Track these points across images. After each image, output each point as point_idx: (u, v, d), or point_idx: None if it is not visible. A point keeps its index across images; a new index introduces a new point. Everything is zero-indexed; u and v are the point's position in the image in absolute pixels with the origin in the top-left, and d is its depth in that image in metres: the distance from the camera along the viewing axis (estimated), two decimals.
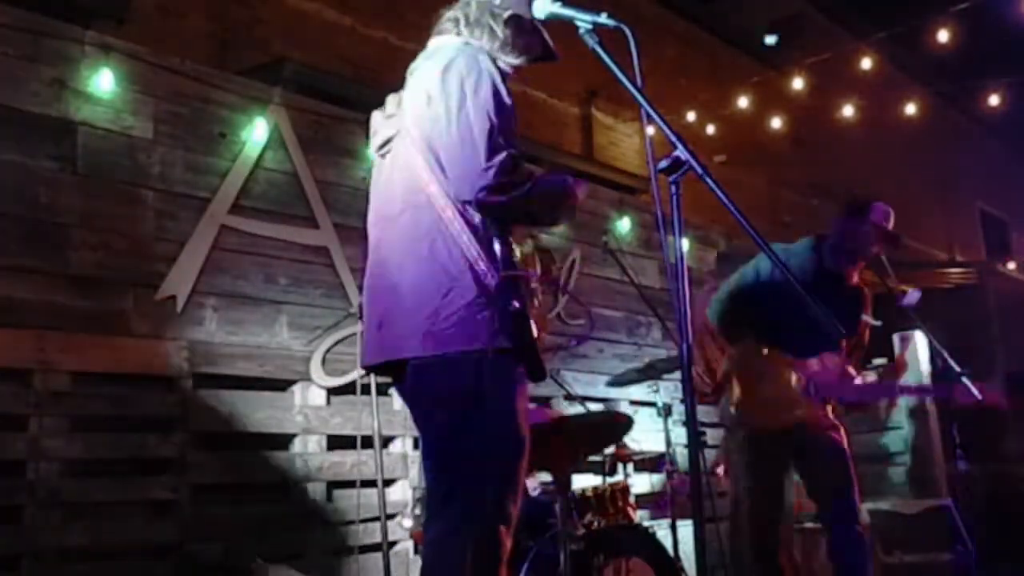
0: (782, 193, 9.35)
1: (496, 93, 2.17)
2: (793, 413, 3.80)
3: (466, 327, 2.12)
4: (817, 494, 3.89)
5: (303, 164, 4.44)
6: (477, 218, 2.18)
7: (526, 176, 2.16)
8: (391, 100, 2.40)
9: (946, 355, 3.63)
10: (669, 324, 4.60)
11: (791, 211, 9.37)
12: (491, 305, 2.12)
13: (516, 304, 2.16)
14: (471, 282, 2.14)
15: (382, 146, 2.39)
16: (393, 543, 4.17)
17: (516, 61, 2.35)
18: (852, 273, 4.01)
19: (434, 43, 2.39)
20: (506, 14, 2.29)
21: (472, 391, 2.13)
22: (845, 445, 3.84)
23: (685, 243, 2.26)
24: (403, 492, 4.46)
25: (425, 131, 2.21)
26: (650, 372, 4.69)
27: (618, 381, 4.91)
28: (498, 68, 2.24)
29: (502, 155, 2.11)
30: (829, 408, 3.86)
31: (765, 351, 3.87)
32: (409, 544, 4.35)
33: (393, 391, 3.82)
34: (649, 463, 5.66)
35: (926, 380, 5.97)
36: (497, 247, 2.18)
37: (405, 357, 2.22)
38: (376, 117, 2.43)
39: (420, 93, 2.24)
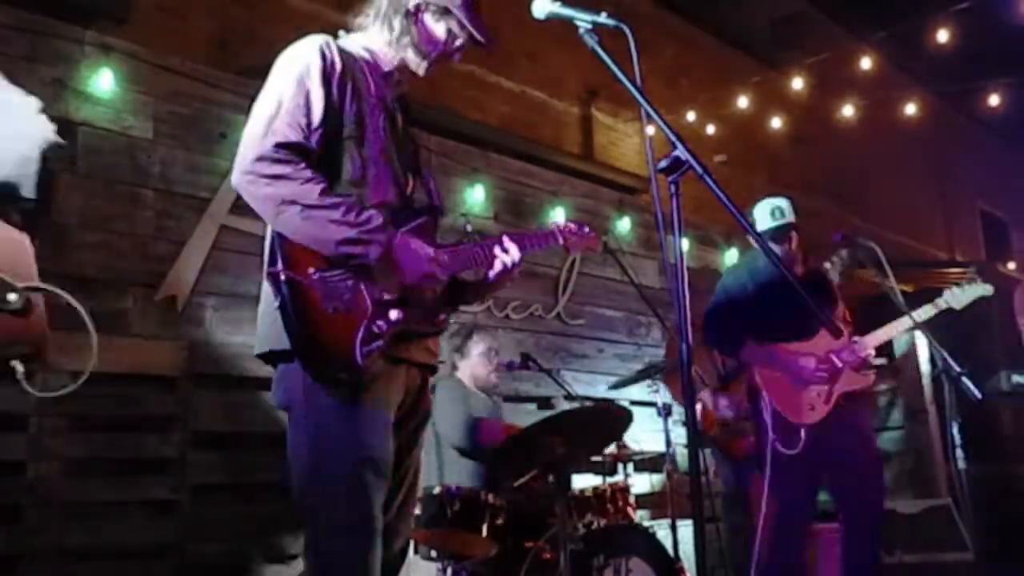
0: (782, 193, 9.33)
1: (302, 80, 2.08)
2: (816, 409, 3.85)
3: (271, 326, 2.05)
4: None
5: None
6: None
7: (293, 176, 1.98)
8: None
9: (946, 355, 3.62)
10: (669, 324, 4.60)
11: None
12: (276, 304, 1.99)
13: (275, 303, 1.98)
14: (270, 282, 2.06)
15: None
16: None
17: (424, 61, 2.28)
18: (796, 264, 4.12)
19: None
20: (410, 4, 2.26)
21: (287, 396, 2.09)
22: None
23: (685, 243, 2.25)
24: None
25: None
26: (651, 372, 4.69)
27: (621, 383, 4.91)
28: (334, 59, 2.15)
29: (267, 140, 2.01)
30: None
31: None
32: (409, 544, 4.35)
33: None
34: (649, 463, 5.67)
35: (926, 380, 5.98)
36: (278, 240, 2.01)
37: (256, 354, 2.18)
38: None
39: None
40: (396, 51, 2.29)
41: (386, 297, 2.07)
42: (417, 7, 2.27)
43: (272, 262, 2.01)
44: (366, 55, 2.28)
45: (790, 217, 4.11)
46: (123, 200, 3.94)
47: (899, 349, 6.16)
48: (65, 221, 3.75)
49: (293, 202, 1.98)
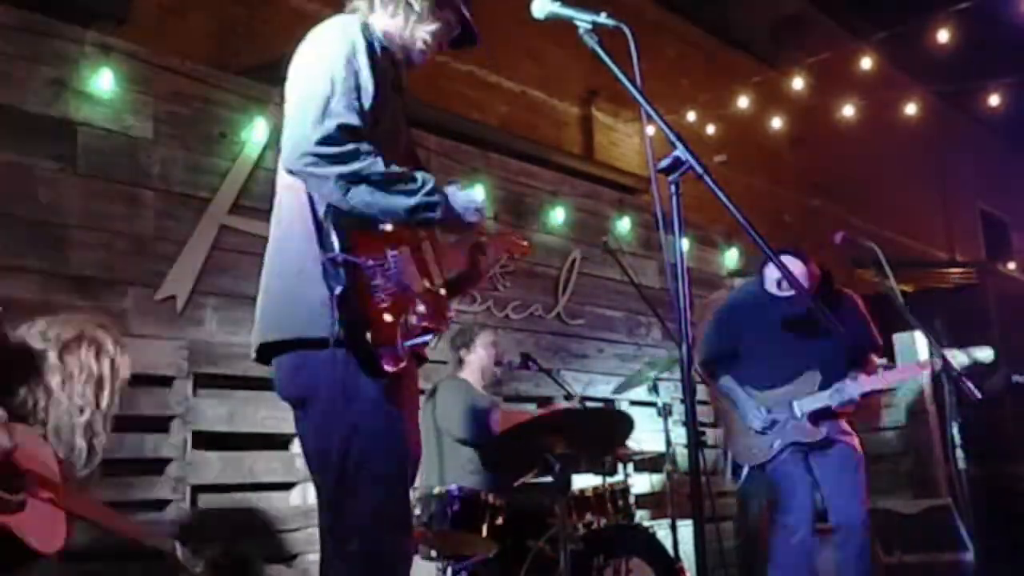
0: (782, 193, 9.35)
1: (351, 61, 2.06)
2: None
3: (307, 313, 2.01)
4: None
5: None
6: (306, 196, 2.08)
7: (359, 152, 1.99)
8: None
9: (946, 355, 3.63)
10: (669, 324, 4.60)
11: (791, 211, 9.37)
12: (327, 291, 1.96)
13: (338, 288, 1.95)
14: (311, 267, 2.02)
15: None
16: None
17: (431, 38, 2.26)
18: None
19: None
20: None
21: (312, 385, 2.03)
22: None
23: (685, 243, 2.24)
24: None
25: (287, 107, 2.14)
26: (651, 370, 4.69)
27: (626, 385, 4.91)
28: (373, 41, 2.14)
29: (329, 122, 1.99)
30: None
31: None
32: None
33: None
34: (649, 463, 5.67)
35: (926, 380, 5.98)
36: (332, 226, 2.00)
37: (263, 343, 2.13)
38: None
39: (291, 68, 2.19)
40: (409, 36, 2.24)
41: (416, 291, 2.07)
42: None
43: (327, 247, 1.98)
44: (383, 37, 2.24)
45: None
46: (123, 200, 3.94)
47: (902, 356, 6.14)
48: (65, 221, 3.75)
49: (362, 179, 1.99)
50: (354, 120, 2.02)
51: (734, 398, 4.24)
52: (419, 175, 2.09)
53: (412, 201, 2.05)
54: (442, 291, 2.22)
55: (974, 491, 3.69)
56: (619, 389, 4.95)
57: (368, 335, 1.96)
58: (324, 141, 1.97)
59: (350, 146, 1.99)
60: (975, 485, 3.74)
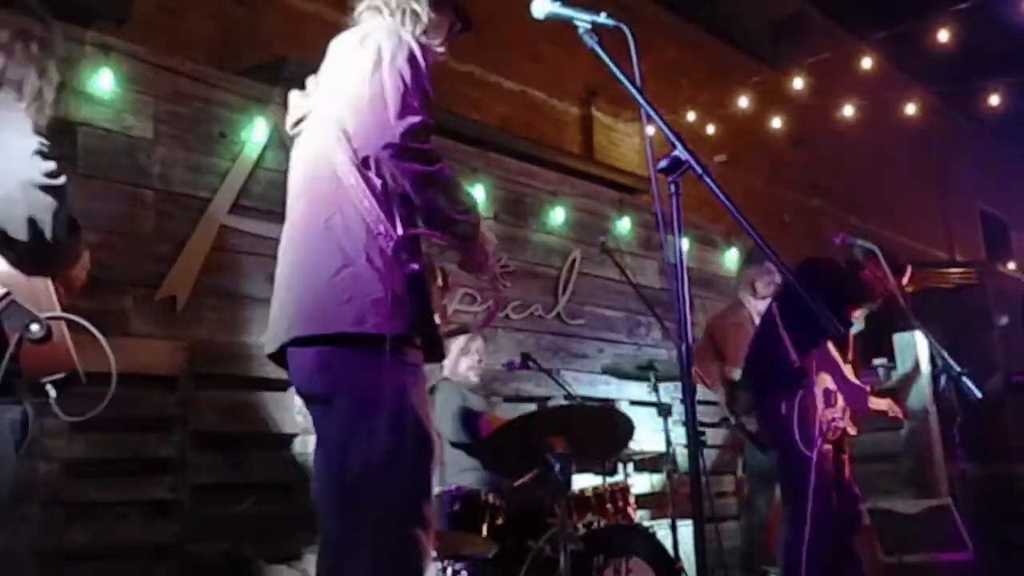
0: (782, 193, 9.35)
1: (413, 61, 2.13)
2: None
3: (356, 307, 2.01)
4: None
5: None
6: (379, 181, 2.10)
7: (436, 155, 2.11)
8: (311, 81, 2.35)
9: (946, 355, 3.63)
10: (668, 324, 4.60)
11: (791, 211, 9.37)
12: (385, 283, 2.01)
13: (414, 267, 2.08)
14: (366, 261, 2.04)
15: (295, 124, 2.33)
16: None
17: (441, 45, 2.35)
18: None
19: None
20: None
21: (361, 382, 2.03)
22: None
23: (685, 243, 2.25)
24: None
25: (338, 102, 2.15)
26: (648, 370, 4.69)
27: (612, 370, 4.91)
28: (421, 46, 2.21)
29: (413, 117, 2.07)
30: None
31: None
32: None
33: None
34: (649, 463, 5.67)
35: (926, 380, 5.97)
36: (398, 207, 2.09)
37: (289, 339, 2.12)
38: (293, 96, 2.37)
39: (335, 64, 2.22)
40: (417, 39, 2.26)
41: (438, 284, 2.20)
42: None
43: (402, 223, 2.08)
44: None
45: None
46: (123, 200, 3.94)
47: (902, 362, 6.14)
48: None
49: (435, 182, 2.10)
50: (427, 117, 2.10)
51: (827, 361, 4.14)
52: (470, 191, 2.25)
53: (457, 213, 2.14)
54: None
55: (974, 491, 3.70)
56: (607, 369, 4.94)
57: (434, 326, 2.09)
58: (409, 134, 2.04)
59: (428, 145, 2.10)
60: (975, 485, 3.75)
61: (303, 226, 2.18)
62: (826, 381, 4.00)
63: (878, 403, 4.22)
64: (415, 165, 2.06)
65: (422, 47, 2.22)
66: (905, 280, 4.10)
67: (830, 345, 3.98)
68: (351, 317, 2.01)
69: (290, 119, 2.34)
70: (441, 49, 2.34)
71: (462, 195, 2.18)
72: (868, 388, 4.05)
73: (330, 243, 2.09)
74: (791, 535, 3.90)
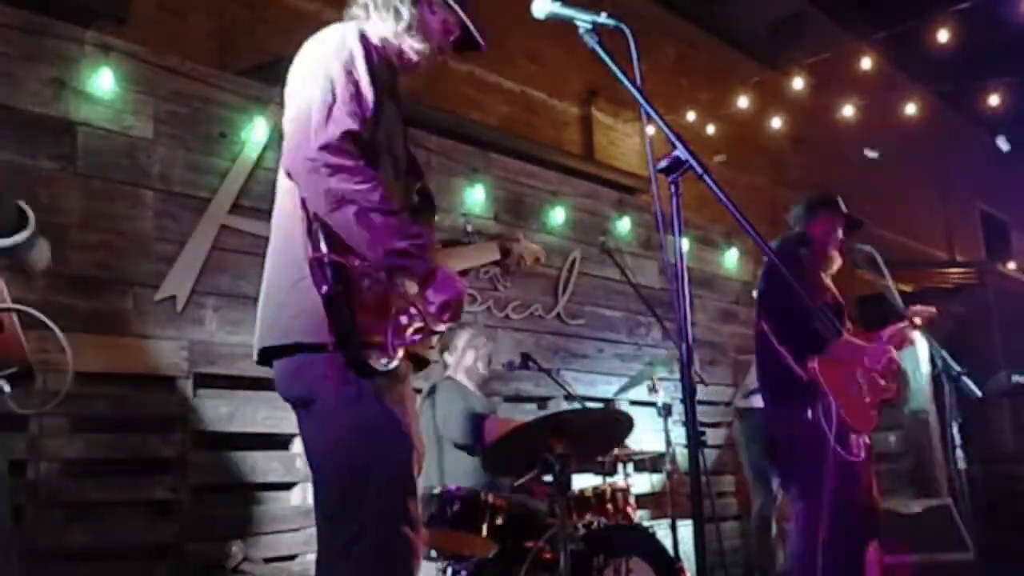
0: (782, 193, 9.34)
1: (351, 70, 2.05)
2: None
3: (307, 319, 2.00)
4: None
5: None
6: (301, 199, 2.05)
7: (361, 173, 1.96)
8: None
9: (945, 355, 3.63)
10: (668, 324, 4.60)
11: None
12: (323, 290, 1.94)
13: (324, 288, 1.93)
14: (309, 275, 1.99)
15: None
16: None
17: (421, 46, 2.25)
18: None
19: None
20: None
21: (331, 387, 2.02)
22: None
23: (685, 243, 2.24)
24: None
25: (286, 116, 2.13)
26: (652, 370, 4.69)
27: (628, 386, 4.91)
28: (380, 49, 2.16)
29: (332, 128, 1.97)
30: None
31: None
32: None
33: None
34: (649, 463, 5.67)
35: (926, 380, 5.98)
36: (321, 227, 1.97)
37: (264, 347, 2.13)
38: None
39: (292, 76, 2.19)
40: (398, 38, 2.24)
41: (410, 291, 2.06)
42: None
43: (315, 247, 1.96)
44: (380, 45, 2.23)
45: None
46: (123, 200, 3.94)
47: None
48: (65, 221, 3.75)
49: (352, 201, 1.94)
50: (355, 126, 2.00)
51: (855, 348, 3.88)
52: (419, 227, 2.05)
53: (396, 245, 1.97)
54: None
55: (974, 491, 3.69)
56: (622, 390, 4.95)
57: (357, 335, 1.94)
58: (327, 147, 1.96)
59: (351, 161, 1.96)
60: (975, 485, 3.74)
61: (273, 238, 2.21)
62: (845, 372, 3.86)
63: (896, 335, 3.98)
64: (329, 181, 1.95)
65: (387, 47, 2.21)
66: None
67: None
68: (302, 329, 2.02)
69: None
70: (421, 47, 2.25)
71: (398, 223, 1.98)
72: (883, 340, 3.82)
73: (287, 256, 2.10)
74: (803, 544, 3.84)
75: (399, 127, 2.26)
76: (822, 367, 3.75)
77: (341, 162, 1.96)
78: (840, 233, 4.01)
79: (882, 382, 3.78)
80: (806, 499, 3.85)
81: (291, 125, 2.05)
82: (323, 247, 1.95)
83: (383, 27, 2.24)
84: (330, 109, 1.99)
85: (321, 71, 2.06)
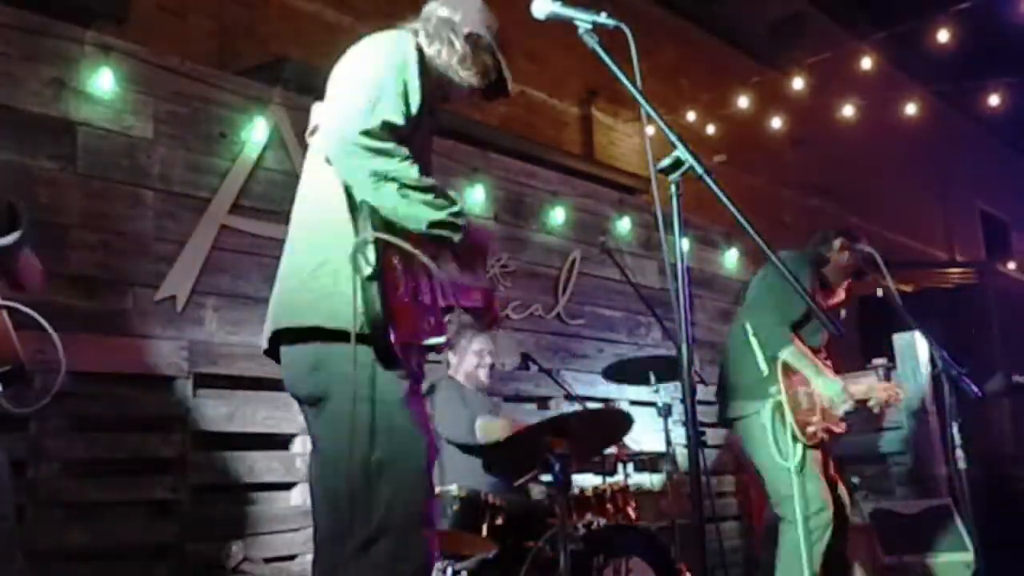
0: (782, 193, 9.35)
1: (399, 72, 2.13)
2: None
3: (329, 303, 2.03)
4: None
5: (303, 164, 4.44)
6: (340, 180, 2.13)
7: (398, 153, 2.05)
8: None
9: (945, 355, 3.63)
10: (668, 324, 4.60)
11: (791, 211, 9.38)
12: (367, 274, 1.98)
13: (368, 270, 1.98)
14: (339, 260, 2.04)
15: (311, 133, 2.36)
16: None
17: (473, 80, 2.34)
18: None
19: None
20: (466, 30, 2.31)
21: (330, 384, 2.05)
22: None
23: (685, 243, 2.24)
24: None
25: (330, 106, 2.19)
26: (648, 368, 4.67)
27: (613, 373, 4.90)
28: (428, 67, 2.23)
29: (375, 118, 2.05)
30: None
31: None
32: None
33: None
34: (649, 463, 5.67)
35: (926, 380, 5.98)
36: (368, 216, 2.04)
37: (271, 332, 2.16)
38: (315, 106, 2.39)
39: (339, 71, 2.24)
40: (450, 72, 2.31)
41: (427, 302, 2.13)
42: (474, 35, 2.31)
43: (361, 230, 2.02)
44: (429, 63, 2.29)
45: None
46: (123, 200, 3.94)
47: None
48: (65, 221, 3.75)
49: (394, 179, 2.04)
50: (399, 120, 2.08)
51: (811, 361, 4.05)
52: (455, 195, 2.19)
53: (438, 215, 2.10)
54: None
55: (974, 491, 3.69)
56: (608, 372, 4.93)
57: (391, 326, 1.98)
58: (367, 133, 2.03)
59: (390, 144, 2.05)
60: (975, 485, 3.74)
61: (298, 227, 2.25)
62: (800, 383, 3.98)
63: (855, 389, 4.10)
64: (370, 162, 2.03)
65: (436, 68, 2.28)
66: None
67: (798, 343, 3.96)
68: (325, 312, 2.04)
69: (309, 127, 2.38)
70: (474, 80, 2.33)
71: (435, 195, 2.12)
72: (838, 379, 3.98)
73: (312, 241, 2.15)
74: (787, 543, 3.88)
75: (429, 146, 2.35)
76: (784, 370, 3.86)
77: (382, 145, 2.04)
78: (852, 271, 4.13)
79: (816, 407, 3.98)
80: (781, 495, 3.91)
81: (335, 112, 2.11)
82: (370, 230, 2.01)
83: (436, 52, 2.31)
84: (375, 102, 2.06)
85: (373, 67, 2.13)
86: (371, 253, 1.98)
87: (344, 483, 2.04)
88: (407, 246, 2.07)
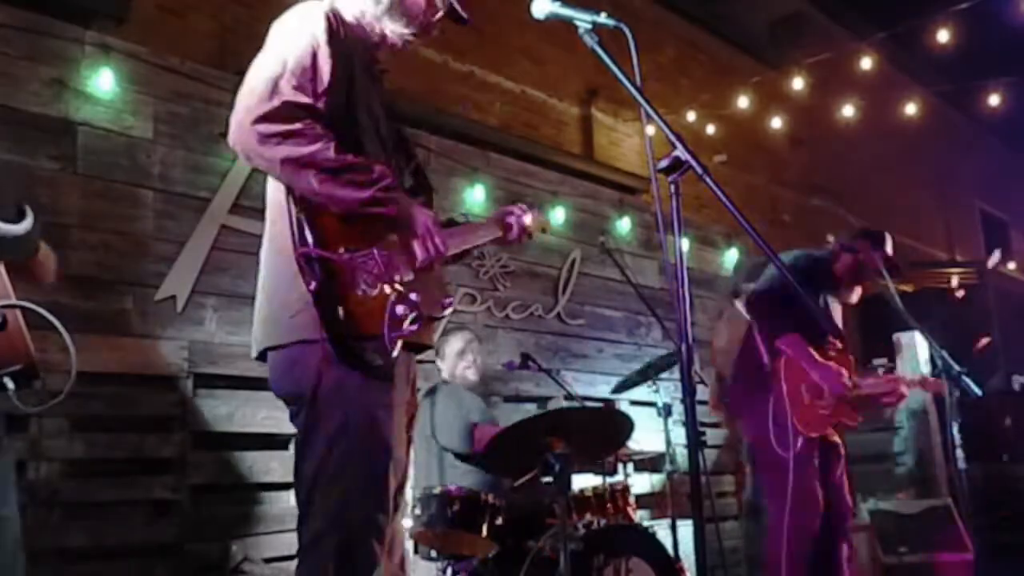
0: (782, 193, 9.34)
1: (306, 44, 2.02)
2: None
3: (306, 315, 1.95)
4: None
5: None
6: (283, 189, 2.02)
7: (307, 133, 1.93)
8: None
9: (945, 355, 3.63)
10: (668, 324, 4.60)
11: (791, 211, 9.37)
12: (311, 287, 1.91)
13: (312, 284, 1.90)
14: (289, 270, 1.97)
15: None
16: None
17: (404, 29, 2.23)
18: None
19: None
20: None
21: (303, 383, 1.99)
22: None
23: (685, 243, 2.24)
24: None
25: None
26: (648, 372, 4.68)
27: (623, 386, 4.90)
28: (353, 26, 2.15)
29: (275, 99, 1.93)
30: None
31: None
32: (409, 544, 4.35)
33: None
34: (649, 463, 5.67)
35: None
36: (306, 221, 1.94)
37: (258, 352, 2.12)
38: None
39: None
40: (378, 20, 2.22)
41: (404, 279, 2.03)
42: None
43: (302, 242, 1.93)
44: (354, 23, 2.21)
45: None
46: (123, 200, 3.94)
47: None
48: (65, 221, 3.75)
49: (309, 165, 1.92)
50: (302, 98, 1.97)
51: (810, 355, 4.02)
52: (376, 168, 2.02)
53: (363, 195, 1.97)
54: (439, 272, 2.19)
55: (974, 491, 3.69)
56: (617, 389, 4.94)
57: (348, 329, 1.91)
58: (267, 117, 1.93)
59: (297, 125, 1.94)
60: (975, 485, 3.74)
61: (265, 235, 2.18)
62: (805, 375, 3.96)
63: (864, 383, 4.10)
64: (279, 151, 1.91)
65: (363, 24, 2.19)
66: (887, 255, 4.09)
67: (798, 337, 3.97)
68: (303, 326, 1.98)
69: None
70: (403, 30, 2.22)
71: (356, 172, 1.97)
72: (842, 370, 3.95)
73: (278, 251, 2.08)
74: (772, 539, 3.89)
75: (380, 111, 2.22)
76: (786, 365, 3.87)
77: (284, 128, 1.92)
78: (870, 270, 4.16)
79: (823, 401, 3.96)
80: (774, 497, 3.92)
81: (236, 103, 2.00)
82: (309, 240, 1.92)
83: (363, 4, 2.22)
84: (275, 82, 1.97)
85: (275, 47, 2.05)
86: (315, 266, 1.91)
87: (300, 481, 2.03)
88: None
